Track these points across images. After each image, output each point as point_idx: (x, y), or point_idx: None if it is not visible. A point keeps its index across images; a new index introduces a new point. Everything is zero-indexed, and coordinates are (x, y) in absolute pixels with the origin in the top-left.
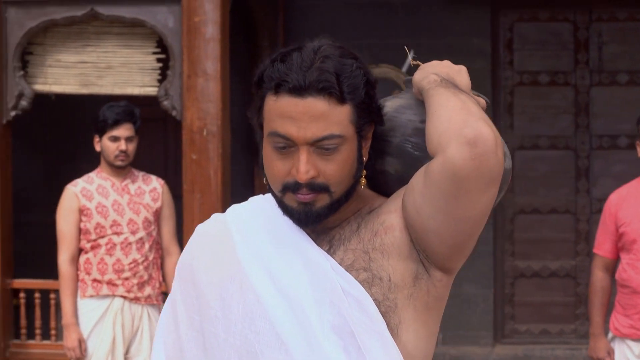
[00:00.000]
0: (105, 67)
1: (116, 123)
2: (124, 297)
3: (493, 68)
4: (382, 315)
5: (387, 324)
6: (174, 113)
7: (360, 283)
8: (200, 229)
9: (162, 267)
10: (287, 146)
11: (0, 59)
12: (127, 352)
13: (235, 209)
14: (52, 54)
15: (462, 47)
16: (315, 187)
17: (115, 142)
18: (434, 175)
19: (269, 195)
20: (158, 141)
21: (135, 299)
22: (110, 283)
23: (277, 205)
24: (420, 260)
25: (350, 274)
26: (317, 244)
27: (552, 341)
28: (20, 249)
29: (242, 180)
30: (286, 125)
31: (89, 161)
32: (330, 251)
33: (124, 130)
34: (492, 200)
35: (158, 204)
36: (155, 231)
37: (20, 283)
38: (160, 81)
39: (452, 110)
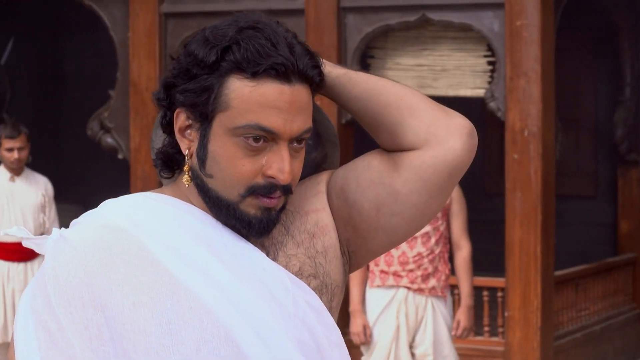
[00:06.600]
0: (440, 70)
1: None
2: (408, 288)
3: None
4: None
5: None
6: (499, 114)
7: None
8: (92, 239)
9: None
10: (264, 141)
11: (339, 62)
12: (412, 341)
13: (125, 214)
14: (392, 57)
15: None
16: (286, 189)
17: None
18: (424, 169)
19: (156, 196)
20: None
21: (419, 290)
22: (395, 274)
23: (179, 207)
24: (343, 263)
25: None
26: None
27: None
28: None
29: None
30: (271, 116)
31: None
32: (270, 257)
33: None
34: None
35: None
36: (443, 226)
37: None
38: (490, 83)
39: (423, 99)
